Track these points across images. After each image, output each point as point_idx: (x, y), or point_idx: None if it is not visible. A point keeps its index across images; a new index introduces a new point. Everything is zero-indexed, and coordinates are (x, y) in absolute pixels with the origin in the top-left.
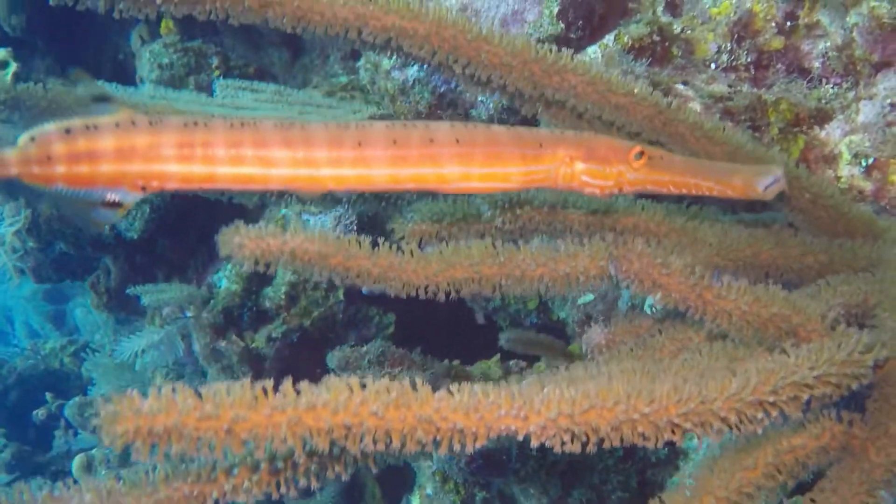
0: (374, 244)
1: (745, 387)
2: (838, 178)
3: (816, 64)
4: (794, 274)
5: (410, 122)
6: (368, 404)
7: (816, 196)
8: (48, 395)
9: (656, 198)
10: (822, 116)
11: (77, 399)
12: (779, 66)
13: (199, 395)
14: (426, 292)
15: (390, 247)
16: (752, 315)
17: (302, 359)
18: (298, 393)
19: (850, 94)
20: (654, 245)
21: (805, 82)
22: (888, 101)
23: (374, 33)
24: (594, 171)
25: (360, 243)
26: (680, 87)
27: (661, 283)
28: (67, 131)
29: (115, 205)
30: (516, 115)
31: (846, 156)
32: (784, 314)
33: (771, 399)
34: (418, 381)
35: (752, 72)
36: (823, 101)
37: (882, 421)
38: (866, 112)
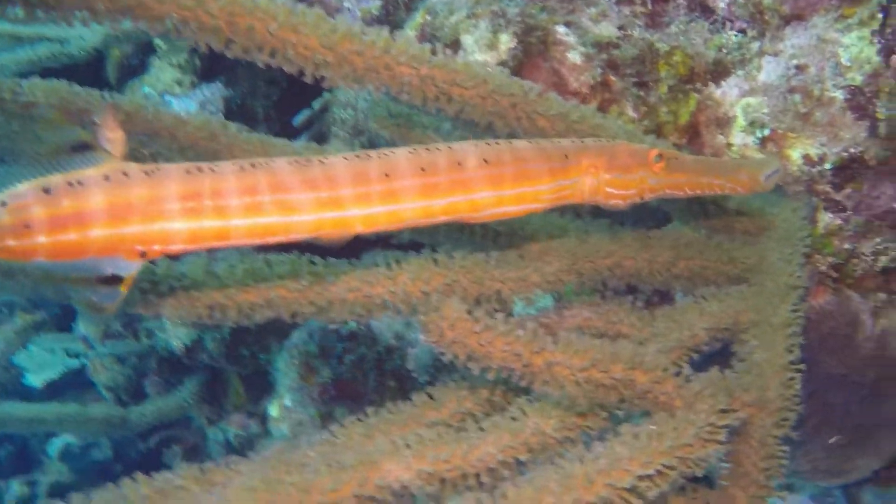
0: None
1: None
2: (729, 146)
3: (721, 4)
4: (662, 283)
5: (432, 146)
6: None
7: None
8: None
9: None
10: (720, 71)
11: None
12: (680, 0)
13: None
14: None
15: None
16: (590, 382)
17: None
18: None
19: (755, 46)
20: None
21: (707, 24)
22: (794, 61)
23: None
24: (618, 182)
25: None
26: (560, 30)
27: (480, 353)
28: (46, 191)
29: (114, 280)
30: None
31: (741, 121)
32: (627, 379)
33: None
34: None
35: (650, 5)
36: (724, 51)
37: (730, 489)
38: (769, 71)
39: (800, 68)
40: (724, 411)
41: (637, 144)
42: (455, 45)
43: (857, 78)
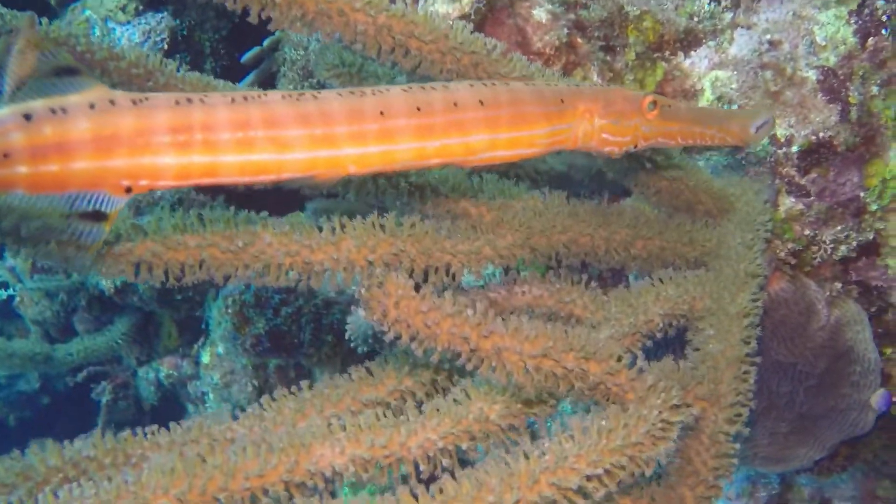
0: None
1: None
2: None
3: None
4: (618, 262)
5: (427, 84)
6: None
7: (658, 166)
8: None
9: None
10: (690, 40)
11: None
12: None
13: None
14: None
15: None
16: (540, 371)
17: None
18: None
19: (728, 17)
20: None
21: None
22: (767, 36)
23: None
24: (614, 127)
25: None
26: None
27: (426, 335)
28: (27, 117)
29: (97, 216)
30: None
31: (708, 94)
32: (579, 369)
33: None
34: None
35: None
36: (696, 20)
37: (677, 488)
38: (741, 44)
39: (773, 44)
40: (677, 406)
41: (633, 91)
42: None
43: (831, 59)
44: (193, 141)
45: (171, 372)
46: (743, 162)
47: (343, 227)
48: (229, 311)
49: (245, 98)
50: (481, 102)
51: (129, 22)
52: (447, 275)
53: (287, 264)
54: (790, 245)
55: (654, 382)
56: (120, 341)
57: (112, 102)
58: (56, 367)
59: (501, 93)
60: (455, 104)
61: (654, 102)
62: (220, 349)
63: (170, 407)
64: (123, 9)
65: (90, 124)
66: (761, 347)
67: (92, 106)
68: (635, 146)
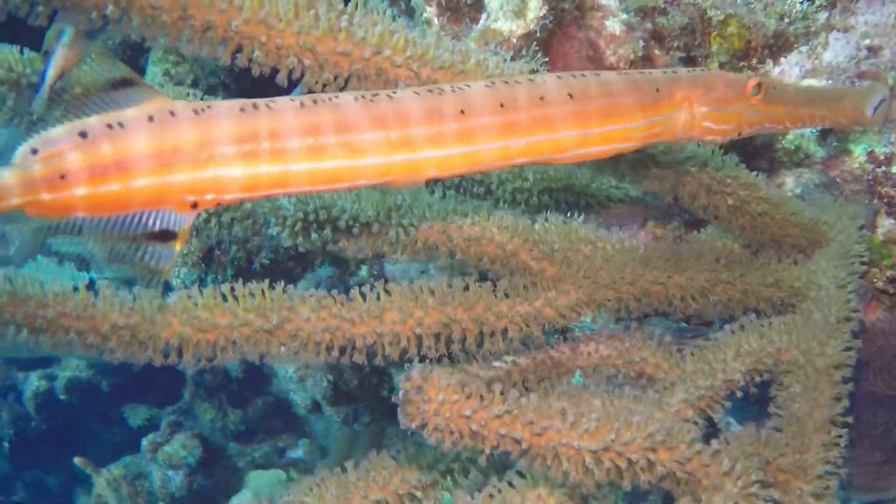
0: None
1: None
2: (784, 134)
3: None
4: (695, 310)
5: (511, 77)
6: None
7: (743, 201)
8: None
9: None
10: (780, 45)
11: None
12: None
13: None
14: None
15: None
16: (602, 466)
17: None
18: None
19: (822, 17)
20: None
21: None
22: (866, 41)
23: None
24: (716, 115)
25: None
26: None
27: (472, 439)
28: (83, 135)
29: (166, 235)
30: None
31: None
32: (646, 460)
33: None
34: None
35: None
36: (786, 21)
37: None
38: (836, 49)
39: (872, 50)
40: (755, 495)
41: (734, 74)
42: (477, 5)
43: None
44: (260, 150)
45: None
46: (838, 180)
47: (388, 292)
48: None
49: (315, 101)
50: (570, 96)
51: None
52: (504, 339)
53: (327, 341)
54: (889, 273)
55: (730, 467)
56: None
57: (172, 114)
58: None
59: (591, 84)
60: (541, 98)
61: (759, 85)
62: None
63: (255, 378)
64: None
65: (149, 139)
66: (856, 377)
67: (151, 119)
68: (739, 133)
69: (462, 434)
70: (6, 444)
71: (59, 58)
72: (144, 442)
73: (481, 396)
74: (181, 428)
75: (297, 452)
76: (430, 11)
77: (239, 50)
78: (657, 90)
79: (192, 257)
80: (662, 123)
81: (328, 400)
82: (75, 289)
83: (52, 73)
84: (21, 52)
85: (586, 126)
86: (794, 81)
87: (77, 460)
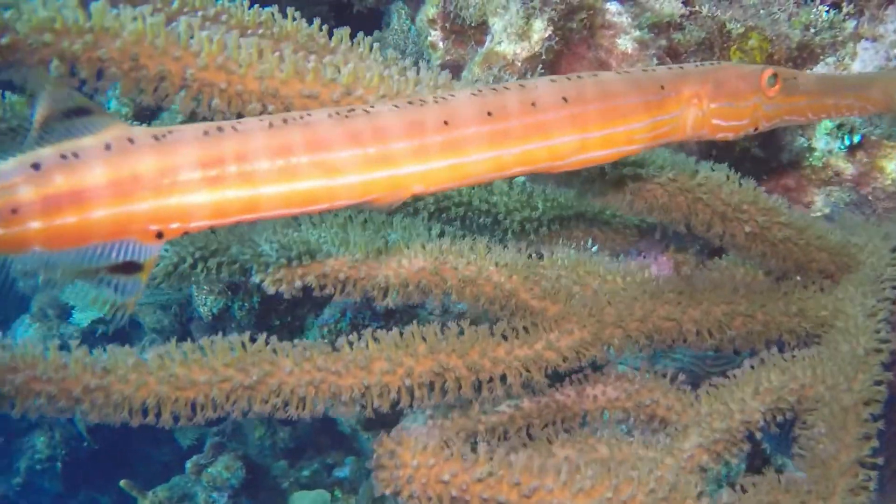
0: None
1: None
2: (811, 150)
3: None
4: (711, 345)
5: (499, 84)
6: None
7: (762, 227)
8: None
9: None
10: (804, 56)
11: None
12: None
13: None
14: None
15: None
16: None
17: None
18: None
19: (850, 27)
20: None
21: None
22: None
23: None
24: (727, 111)
25: None
26: (612, 8)
27: (454, 502)
28: (35, 166)
29: (131, 267)
30: None
31: (827, 122)
32: None
33: None
34: None
35: None
36: (812, 31)
37: None
38: (865, 59)
39: None
40: None
41: (749, 66)
42: (482, 27)
43: None
44: (227, 174)
45: None
46: (869, 198)
47: (376, 340)
48: (325, 340)
49: (285, 121)
50: (565, 99)
51: None
52: (503, 386)
53: (311, 395)
54: None
55: None
56: None
57: (131, 140)
58: None
59: (588, 86)
60: (533, 104)
61: (775, 76)
62: None
63: None
64: None
65: (106, 168)
66: (887, 414)
67: (108, 147)
68: (756, 128)
69: (441, 500)
70: (59, 465)
71: (45, 100)
72: (189, 464)
73: (463, 457)
74: (225, 449)
75: (344, 471)
76: (435, 35)
77: (198, 98)
78: (662, 87)
79: (219, 286)
80: (669, 123)
81: (362, 424)
82: (45, 350)
83: (38, 117)
84: (2, 96)
85: (585, 130)
86: None
87: (123, 483)
